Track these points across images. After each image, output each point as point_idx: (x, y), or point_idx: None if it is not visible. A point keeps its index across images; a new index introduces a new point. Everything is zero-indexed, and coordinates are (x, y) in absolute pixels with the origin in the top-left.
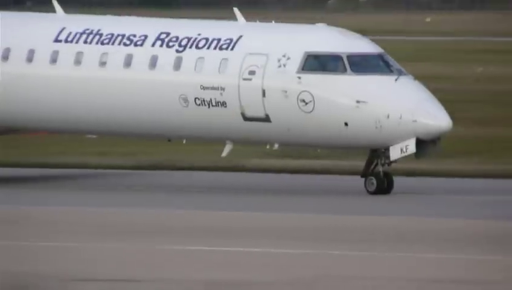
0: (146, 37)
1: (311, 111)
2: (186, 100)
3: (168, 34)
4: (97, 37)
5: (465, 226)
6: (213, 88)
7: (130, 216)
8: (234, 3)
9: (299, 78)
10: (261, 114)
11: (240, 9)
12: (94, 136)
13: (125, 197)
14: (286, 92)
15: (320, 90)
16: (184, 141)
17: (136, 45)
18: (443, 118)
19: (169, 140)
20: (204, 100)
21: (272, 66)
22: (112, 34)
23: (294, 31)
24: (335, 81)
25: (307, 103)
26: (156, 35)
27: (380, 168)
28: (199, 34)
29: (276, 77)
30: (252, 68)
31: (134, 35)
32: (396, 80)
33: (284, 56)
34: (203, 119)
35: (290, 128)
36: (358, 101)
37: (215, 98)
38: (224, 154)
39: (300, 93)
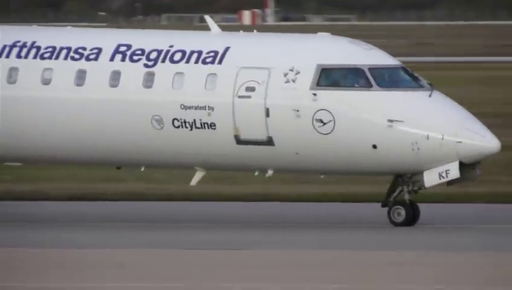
0: (100, 50)
1: (330, 132)
2: (160, 122)
3: (129, 46)
4: (34, 50)
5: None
6: (198, 108)
7: None
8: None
9: (315, 95)
10: (263, 136)
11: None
12: (18, 164)
13: None
14: (298, 111)
15: (343, 109)
16: (142, 169)
17: (88, 59)
18: (491, 139)
19: (118, 167)
20: (185, 121)
21: (277, 82)
22: (54, 47)
23: (298, 42)
24: (360, 98)
25: (325, 123)
26: (114, 48)
27: (407, 196)
28: (171, 46)
29: (283, 94)
30: (249, 84)
31: (84, 48)
32: (430, 95)
33: (291, 70)
34: (183, 143)
35: (300, 152)
36: (391, 121)
37: (200, 119)
38: (193, 182)
39: (316, 112)
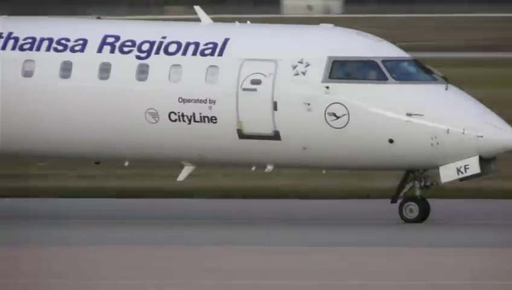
0: (86, 41)
1: (343, 126)
2: (155, 115)
3: (117, 37)
4: (12, 41)
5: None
6: (198, 101)
7: None
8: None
9: (327, 88)
10: (268, 130)
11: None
12: None
13: None
14: (309, 104)
15: (357, 102)
16: (126, 163)
17: (73, 50)
18: (511, 133)
19: (97, 162)
20: (183, 115)
21: (285, 74)
22: (33, 38)
23: (303, 33)
24: (376, 91)
25: (338, 117)
26: (100, 39)
27: (418, 192)
28: (164, 38)
29: (293, 87)
30: (255, 77)
31: (67, 39)
32: (446, 88)
33: (300, 62)
34: (180, 137)
35: (308, 147)
36: (409, 114)
37: (200, 113)
38: (181, 178)
39: (329, 105)
